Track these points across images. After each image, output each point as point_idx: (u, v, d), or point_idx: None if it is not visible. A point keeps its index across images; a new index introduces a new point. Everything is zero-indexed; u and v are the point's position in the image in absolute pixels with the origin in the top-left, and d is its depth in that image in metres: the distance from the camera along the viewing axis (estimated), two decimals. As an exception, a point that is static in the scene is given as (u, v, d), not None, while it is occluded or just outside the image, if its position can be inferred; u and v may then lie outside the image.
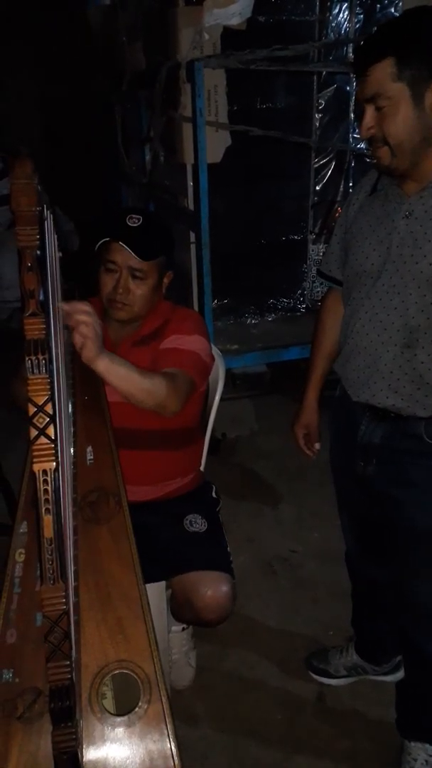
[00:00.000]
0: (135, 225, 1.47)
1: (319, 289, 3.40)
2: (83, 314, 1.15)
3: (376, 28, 1.19)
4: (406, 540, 1.40)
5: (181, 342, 1.50)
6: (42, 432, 0.69)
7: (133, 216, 1.49)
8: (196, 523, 1.58)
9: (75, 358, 1.45)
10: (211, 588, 1.43)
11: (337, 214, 3.10)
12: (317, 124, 3.30)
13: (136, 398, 1.30)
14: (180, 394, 1.38)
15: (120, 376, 1.24)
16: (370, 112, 1.17)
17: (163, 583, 1.54)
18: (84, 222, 4.06)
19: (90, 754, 0.78)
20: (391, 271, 1.26)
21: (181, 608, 1.51)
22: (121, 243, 1.44)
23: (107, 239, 1.47)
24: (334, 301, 1.53)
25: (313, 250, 3.50)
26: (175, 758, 0.79)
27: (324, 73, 3.18)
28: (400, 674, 1.76)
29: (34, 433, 0.69)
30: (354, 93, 3.23)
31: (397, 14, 3.12)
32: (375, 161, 1.24)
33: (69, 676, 0.70)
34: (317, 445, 1.63)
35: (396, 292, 1.25)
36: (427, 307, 1.21)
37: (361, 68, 1.16)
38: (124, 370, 1.25)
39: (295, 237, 3.48)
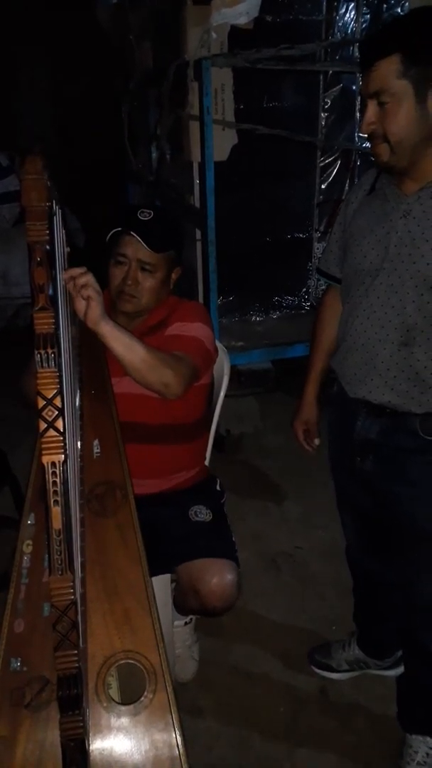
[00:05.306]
0: (146, 218, 1.50)
1: (323, 287, 3.42)
2: (84, 277, 1.17)
3: (384, 25, 1.19)
4: (407, 538, 1.41)
5: (184, 329, 1.52)
6: (51, 425, 0.70)
7: (145, 210, 1.52)
8: (201, 513, 1.59)
9: (82, 351, 1.47)
10: (217, 575, 1.43)
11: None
12: (323, 123, 3.31)
13: (140, 372, 1.29)
14: (184, 375, 1.38)
15: (124, 342, 1.25)
16: (372, 108, 1.18)
17: (167, 576, 1.55)
18: (91, 219, 4.07)
19: (96, 742, 0.79)
20: (389, 270, 1.27)
21: (186, 597, 1.52)
22: (132, 233, 1.47)
23: (118, 230, 1.50)
24: (332, 299, 1.54)
25: (318, 249, 3.51)
26: (180, 747, 0.80)
27: (330, 72, 3.19)
28: (401, 669, 1.76)
29: (43, 425, 0.70)
30: (360, 92, 3.24)
31: (403, 14, 3.12)
32: (374, 157, 1.25)
33: (77, 664, 0.71)
34: (317, 441, 1.64)
35: (394, 291, 1.26)
36: (424, 306, 1.22)
37: (366, 62, 1.16)
38: (128, 339, 1.26)
39: (301, 235, 3.50)
